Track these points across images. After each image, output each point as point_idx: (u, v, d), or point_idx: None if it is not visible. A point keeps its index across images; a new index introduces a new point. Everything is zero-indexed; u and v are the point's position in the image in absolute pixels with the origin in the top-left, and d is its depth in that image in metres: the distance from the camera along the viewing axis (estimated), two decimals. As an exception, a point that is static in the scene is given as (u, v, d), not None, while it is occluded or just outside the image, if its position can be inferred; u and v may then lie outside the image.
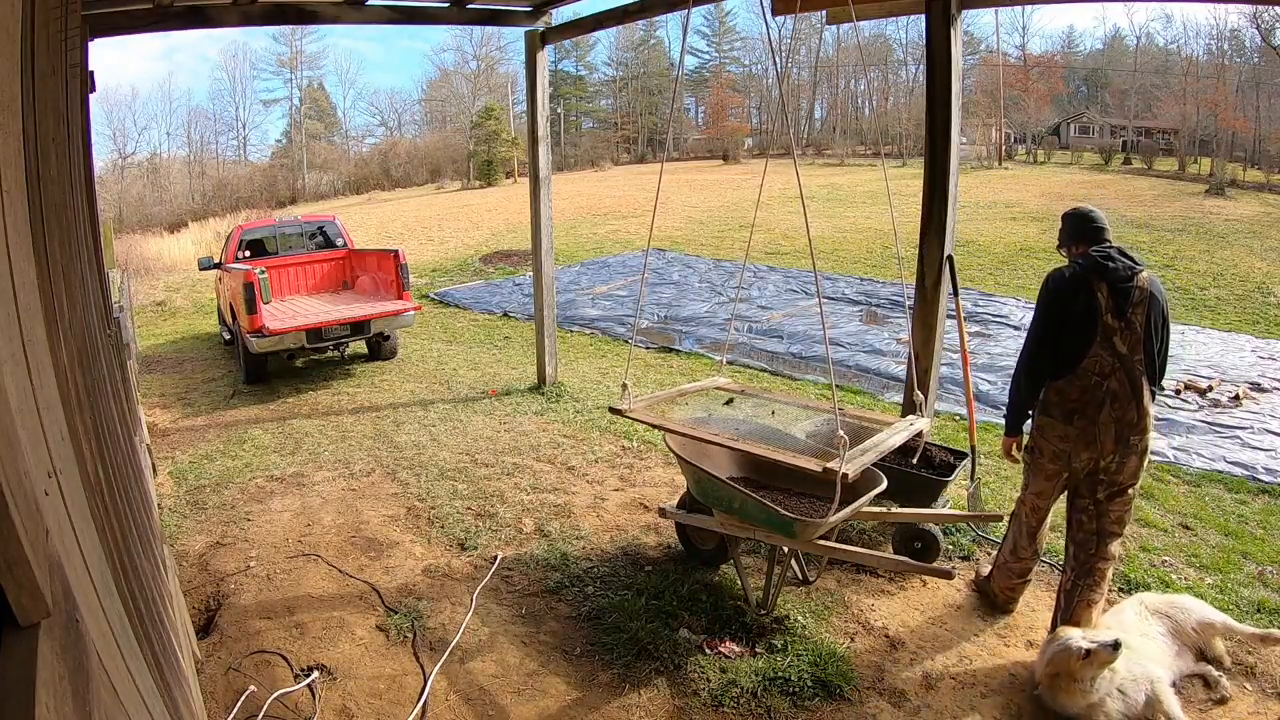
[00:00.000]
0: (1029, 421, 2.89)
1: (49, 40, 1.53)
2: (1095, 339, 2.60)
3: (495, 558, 3.63)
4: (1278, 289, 9.99)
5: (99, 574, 1.09)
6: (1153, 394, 2.67)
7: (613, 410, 3.27)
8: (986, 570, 3.23)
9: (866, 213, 17.73)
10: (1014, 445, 2.97)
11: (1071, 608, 2.72)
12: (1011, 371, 3.01)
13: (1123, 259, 2.64)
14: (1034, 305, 2.79)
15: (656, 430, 3.70)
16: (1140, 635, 2.56)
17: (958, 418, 5.59)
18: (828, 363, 2.88)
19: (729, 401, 3.51)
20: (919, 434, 3.21)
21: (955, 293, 3.54)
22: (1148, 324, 2.61)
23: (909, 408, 3.33)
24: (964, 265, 11.50)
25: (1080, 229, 2.77)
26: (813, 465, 2.56)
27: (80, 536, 0.99)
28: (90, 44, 4.26)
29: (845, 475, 2.44)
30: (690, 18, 3.54)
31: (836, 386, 6.35)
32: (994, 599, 3.12)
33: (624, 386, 3.21)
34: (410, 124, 53.55)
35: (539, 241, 6.11)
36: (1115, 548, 2.76)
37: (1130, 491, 2.71)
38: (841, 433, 2.48)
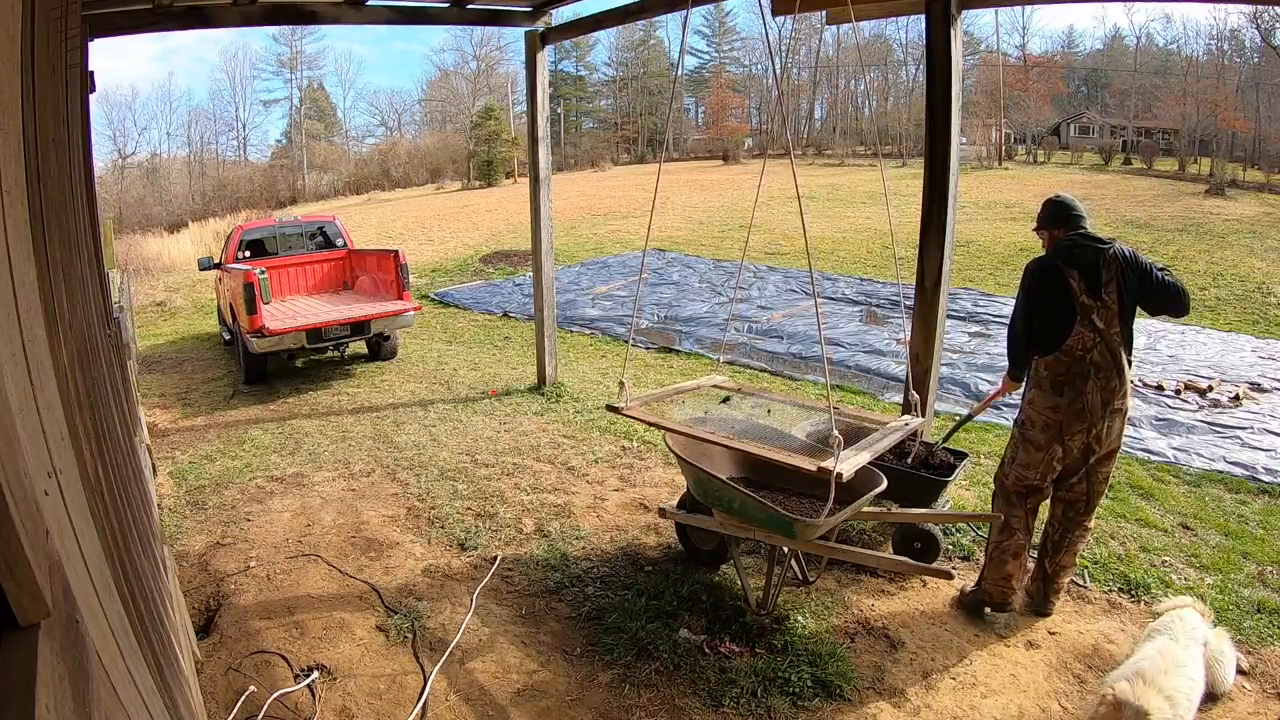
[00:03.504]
0: (1023, 399, 3.04)
1: (49, 40, 1.53)
2: (1076, 319, 2.81)
3: (495, 558, 3.63)
4: (1278, 289, 9.99)
5: (99, 574, 1.09)
6: (1129, 360, 2.87)
7: (610, 408, 3.27)
8: (970, 586, 3.19)
9: (866, 213, 17.73)
10: (1014, 386, 3.20)
11: (1059, 555, 3.03)
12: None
13: (1089, 243, 2.86)
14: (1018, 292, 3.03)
15: (655, 430, 3.70)
16: (1186, 663, 2.35)
17: (957, 418, 5.58)
18: (824, 362, 2.89)
19: (726, 399, 3.51)
20: (914, 434, 3.21)
21: None
22: (1121, 299, 2.81)
23: (908, 408, 3.33)
24: (964, 265, 11.52)
25: (1060, 215, 2.98)
26: (807, 464, 2.55)
27: (80, 536, 0.99)
28: (90, 44, 4.26)
29: (840, 475, 2.44)
30: (690, 18, 3.54)
31: (836, 387, 6.37)
32: (989, 597, 3.07)
33: (621, 384, 3.21)
34: (410, 124, 53.61)
35: (539, 241, 6.11)
36: (1094, 518, 3.04)
37: (1116, 454, 2.95)
38: (836, 432, 2.48)
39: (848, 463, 2.52)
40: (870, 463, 2.79)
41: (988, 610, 3.08)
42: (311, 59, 50.36)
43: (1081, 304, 2.79)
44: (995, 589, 3.05)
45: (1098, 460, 2.90)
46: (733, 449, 2.94)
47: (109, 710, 0.91)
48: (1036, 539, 3.37)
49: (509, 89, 47.03)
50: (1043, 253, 3.01)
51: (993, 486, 3.18)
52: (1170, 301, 2.86)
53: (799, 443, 3.10)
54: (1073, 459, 2.93)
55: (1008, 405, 5.83)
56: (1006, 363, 3.18)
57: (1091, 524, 3.04)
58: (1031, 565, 3.16)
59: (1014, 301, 3.06)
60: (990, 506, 3.22)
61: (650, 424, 3.23)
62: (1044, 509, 3.16)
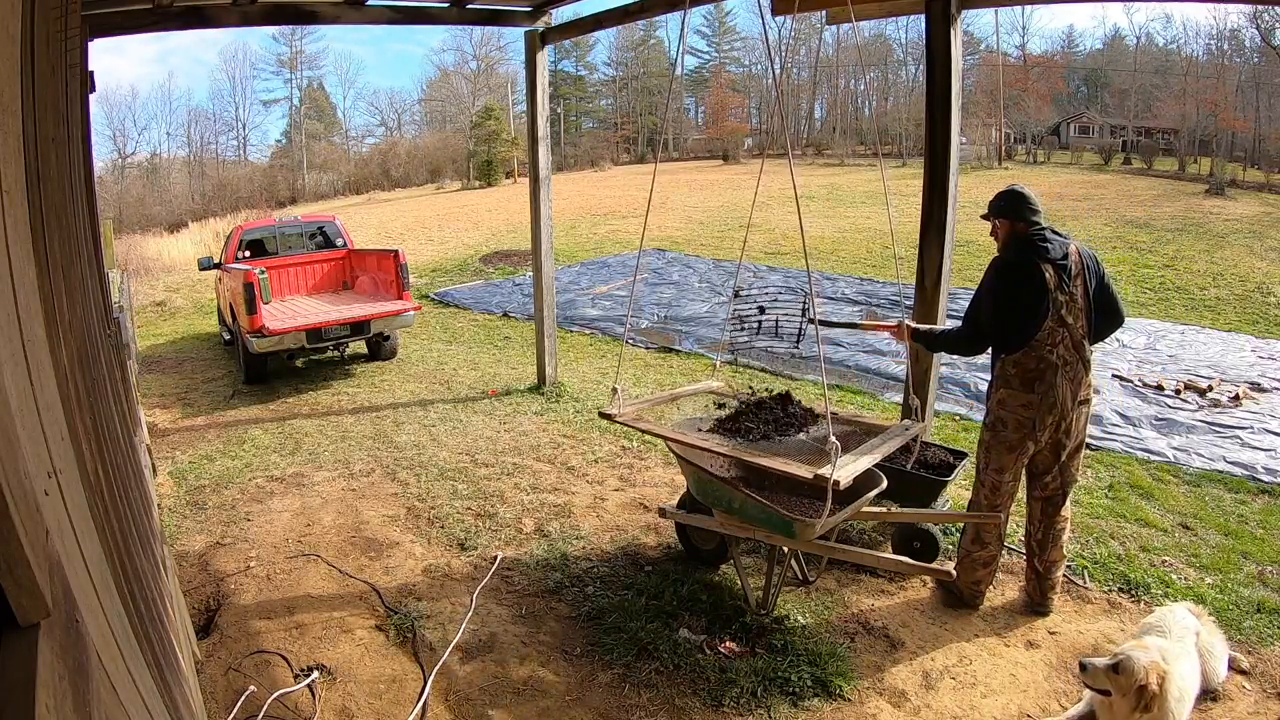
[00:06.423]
0: (990, 400, 3.04)
1: (49, 40, 1.53)
2: (1049, 314, 2.81)
3: (495, 558, 3.63)
4: (1278, 289, 9.99)
5: (99, 574, 1.09)
6: (1091, 352, 2.93)
7: (602, 415, 3.26)
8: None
9: (866, 213, 17.73)
10: (905, 335, 3.24)
11: (1046, 552, 3.04)
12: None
13: (1056, 237, 2.87)
14: (981, 286, 2.96)
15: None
16: (1179, 653, 2.37)
17: (957, 417, 5.59)
18: (820, 365, 2.89)
19: (722, 406, 3.48)
20: (915, 438, 3.21)
21: None
22: (1087, 292, 2.87)
23: (908, 409, 3.33)
24: (964, 265, 11.49)
25: (1021, 206, 2.92)
26: (804, 472, 2.53)
27: (80, 536, 0.99)
28: (90, 44, 4.26)
29: (837, 483, 2.42)
30: (688, 18, 3.55)
31: (836, 386, 6.37)
32: (959, 594, 3.14)
33: (613, 390, 3.20)
34: (410, 124, 53.60)
35: (539, 241, 6.11)
36: (1068, 507, 3.07)
37: (1083, 447, 3.02)
38: (833, 439, 2.46)
39: (845, 469, 2.50)
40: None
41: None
42: (311, 59, 50.39)
43: (1054, 298, 2.80)
44: (966, 591, 3.13)
45: (1069, 455, 2.95)
46: (729, 456, 2.92)
47: (109, 710, 0.91)
48: (1014, 542, 3.43)
49: (509, 89, 46.99)
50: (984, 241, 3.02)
51: (970, 495, 3.18)
52: (1114, 316, 2.94)
53: (798, 445, 3.09)
54: (1043, 455, 2.96)
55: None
56: (959, 338, 3.07)
57: (1068, 513, 3.07)
58: (1025, 567, 3.18)
59: (978, 295, 2.95)
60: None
61: (644, 431, 3.22)
62: (1024, 511, 3.19)
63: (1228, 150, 28.28)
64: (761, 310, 3.49)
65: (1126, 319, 3.02)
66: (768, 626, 2.97)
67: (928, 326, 3.36)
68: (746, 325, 3.40)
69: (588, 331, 9.03)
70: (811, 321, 3.47)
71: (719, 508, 3.00)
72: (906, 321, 3.28)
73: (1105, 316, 2.94)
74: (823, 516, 2.54)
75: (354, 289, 8.36)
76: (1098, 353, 3.09)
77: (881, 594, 3.25)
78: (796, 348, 3.42)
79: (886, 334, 3.37)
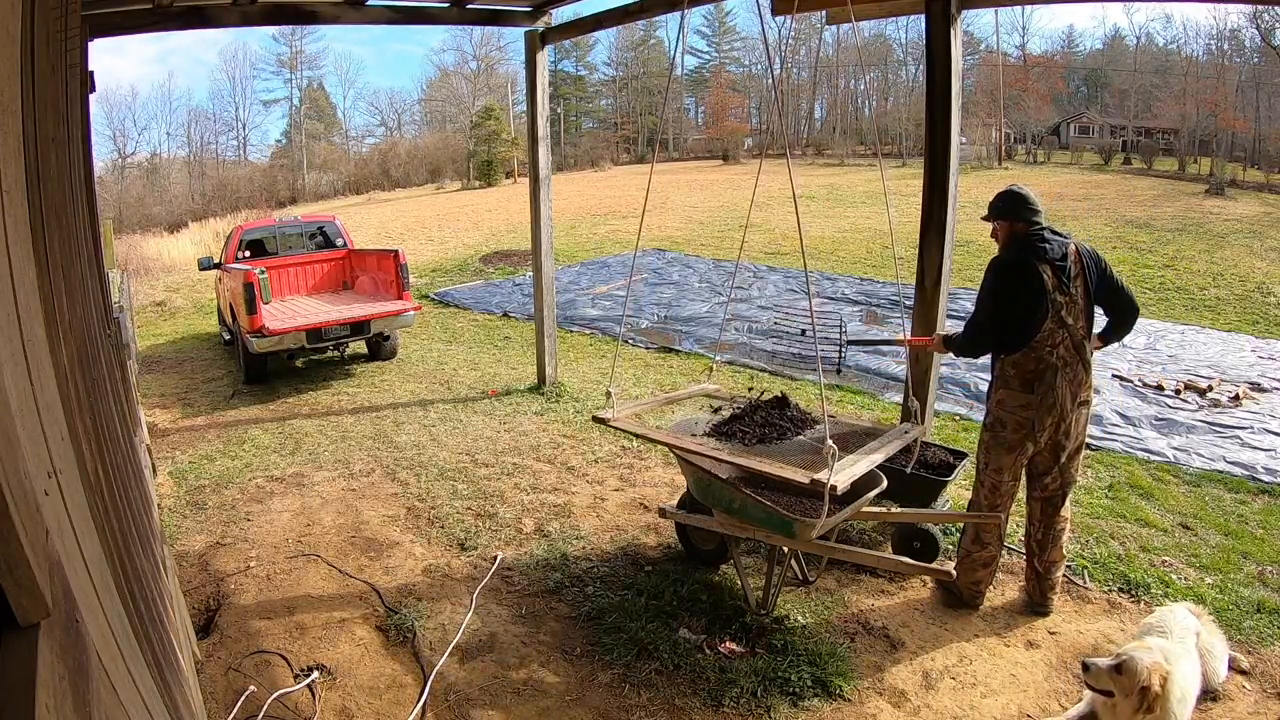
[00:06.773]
0: (990, 401, 3.05)
1: (49, 40, 1.53)
2: (1048, 315, 2.81)
3: (495, 558, 3.63)
4: (1278, 289, 9.99)
5: (99, 574, 1.09)
6: (1090, 352, 2.91)
7: (596, 419, 3.26)
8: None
9: (866, 213, 17.73)
10: (941, 350, 3.36)
11: (1046, 552, 3.04)
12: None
13: (1055, 237, 2.86)
14: (982, 287, 2.97)
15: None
16: (1181, 653, 2.37)
17: (957, 417, 5.59)
18: (819, 365, 2.89)
19: (718, 410, 3.47)
20: (914, 440, 3.21)
21: None
22: (1087, 292, 2.87)
23: (908, 412, 3.33)
24: (964, 265, 11.50)
25: (1021, 206, 2.91)
26: (801, 477, 2.51)
27: (80, 536, 0.99)
28: (90, 44, 4.25)
29: (834, 487, 2.41)
30: (687, 19, 3.55)
31: (836, 387, 6.36)
32: (960, 594, 3.14)
33: (608, 394, 3.19)
34: (410, 124, 53.63)
35: (539, 241, 6.11)
36: (1068, 507, 3.06)
37: (1083, 448, 3.01)
38: (830, 443, 2.44)
39: (843, 474, 2.49)
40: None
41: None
42: (311, 59, 50.42)
43: (1054, 300, 2.79)
44: (966, 591, 3.13)
45: (1068, 456, 2.95)
46: (724, 461, 2.92)
47: (109, 710, 0.91)
48: (1015, 542, 3.43)
49: (509, 89, 46.98)
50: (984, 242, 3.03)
51: (970, 495, 3.18)
52: (1125, 308, 2.93)
53: (795, 446, 3.10)
54: (1042, 456, 2.96)
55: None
56: (962, 340, 3.08)
57: (1068, 514, 3.07)
58: (1024, 567, 3.19)
59: (979, 297, 2.97)
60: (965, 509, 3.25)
61: (639, 436, 3.21)
62: (1023, 511, 3.19)
63: (1228, 150, 28.30)
64: (803, 333, 3.53)
65: (1138, 311, 3.00)
66: (768, 626, 2.97)
67: (951, 332, 3.33)
68: (787, 341, 3.44)
69: (588, 331, 9.03)
70: (850, 343, 3.51)
71: (719, 508, 3.00)
72: (938, 332, 3.28)
73: (1116, 307, 2.93)
74: (822, 517, 2.54)
75: (354, 289, 8.36)
76: (1097, 352, 3.07)
77: (881, 594, 3.25)
78: (839, 373, 3.46)
79: (923, 346, 3.38)
